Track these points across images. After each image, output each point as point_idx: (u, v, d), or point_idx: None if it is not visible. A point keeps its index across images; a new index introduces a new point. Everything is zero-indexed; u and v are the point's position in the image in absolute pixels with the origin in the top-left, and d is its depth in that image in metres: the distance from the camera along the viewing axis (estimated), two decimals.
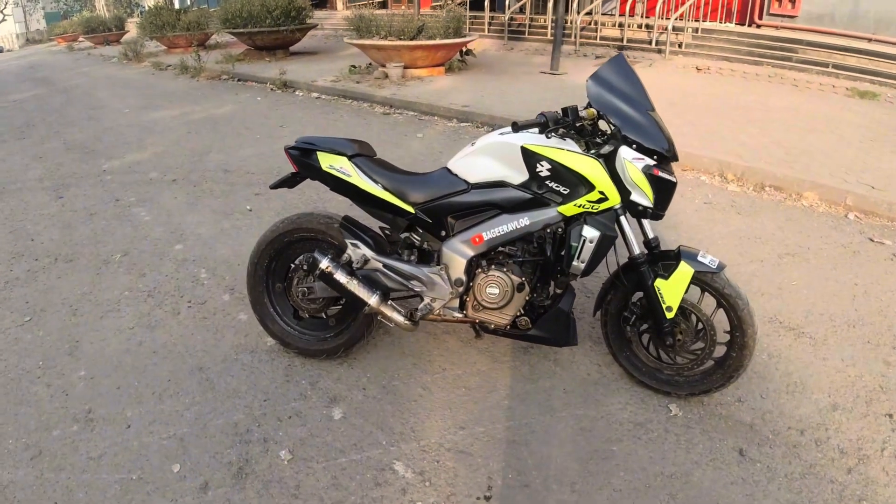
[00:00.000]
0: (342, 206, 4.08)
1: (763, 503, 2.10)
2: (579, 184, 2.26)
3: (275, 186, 2.74)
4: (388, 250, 2.61)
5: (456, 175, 2.44)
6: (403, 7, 17.03)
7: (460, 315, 2.56)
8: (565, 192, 2.28)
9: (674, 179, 2.24)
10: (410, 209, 2.46)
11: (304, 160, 2.58)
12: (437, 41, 9.96)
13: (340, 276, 2.48)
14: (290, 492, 2.14)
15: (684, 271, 2.30)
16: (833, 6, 10.38)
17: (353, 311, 2.76)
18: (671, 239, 3.93)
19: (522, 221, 2.34)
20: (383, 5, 18.22)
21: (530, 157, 2.27)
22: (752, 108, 7.30)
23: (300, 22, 13.60)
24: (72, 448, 2.37)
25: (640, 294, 2.50)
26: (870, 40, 9.73)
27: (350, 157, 2.52)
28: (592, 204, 2.27)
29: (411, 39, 9.86)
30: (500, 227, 2.36)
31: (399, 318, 2.55)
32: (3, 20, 34.51)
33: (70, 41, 23.90)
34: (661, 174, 2.20)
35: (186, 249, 4.08)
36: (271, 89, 10.14)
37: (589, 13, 12.81)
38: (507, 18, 14.06)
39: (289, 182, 2.71)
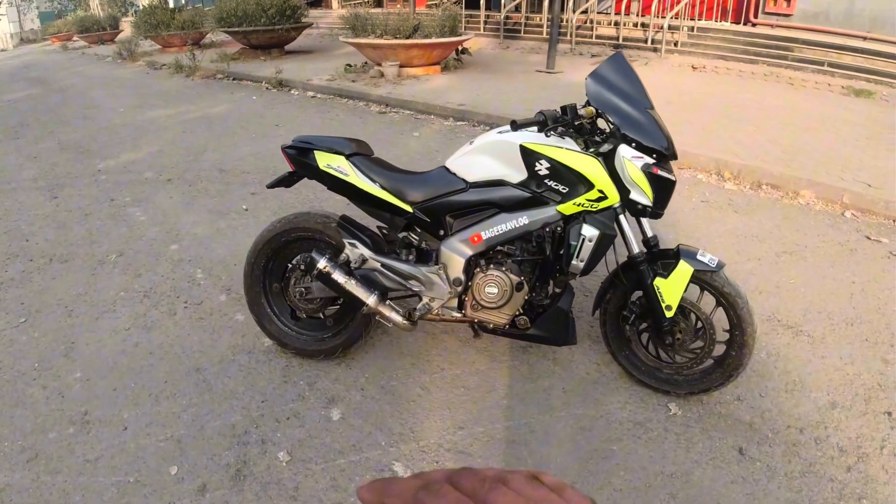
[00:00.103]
0: (339, 206, 4.07)
1: (763, 502, 2.09)
2: (578, 182, 2.25)
3: (272, 186, 2.72)
4: (386, 250, 2.60)
5: (454, 174, 2.43)
6: (399, 5, 16.99)
7: (459, 315, 2.54)
8: (564, 191, 2.27)
9: (673, 178, 2.24)
10: (409, 208, 2.45)
11: (301, 159, 2.56)
12: (433, 40, 9.94)
13: (338, 276, 2.47)
14: (288, 493, 2.13)
15: (684, 270, 2.30)
16: (828, 5, 10.41)
17: (350, 311, 2.74)
18: (669, 237, 3.93)
19: (521, 220, 2.32)
20: (378, 4, 18.19)
21: (529, 156, 2.25)
22: (748, 107, 7.30)
23: (295, 21, 13.55)
24: (68, 450, 2.35)
25: (639, 293, 2.50)
26: (865, 39, 9.75)
27: (348, 157, 2.50)
28: (592, 203, 2.26)
29: (407, 38, 9.84)
30: (498, 226, 2.35)
31: (397, 318, 2.53)
32: None
33: (64, 40, 23.78)
34: (660, 173, 2.19)
35: (182, 249, 4.06)
36: (266, 88, 10.11)
37: (584, 12, 12.81)
38: (502, 17, 14.05)
39: (286, 181, 2.69)
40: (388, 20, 10.46)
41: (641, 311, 2.53)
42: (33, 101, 10.49)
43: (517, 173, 2.30)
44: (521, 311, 2.49)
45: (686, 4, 11.23)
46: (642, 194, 2.24)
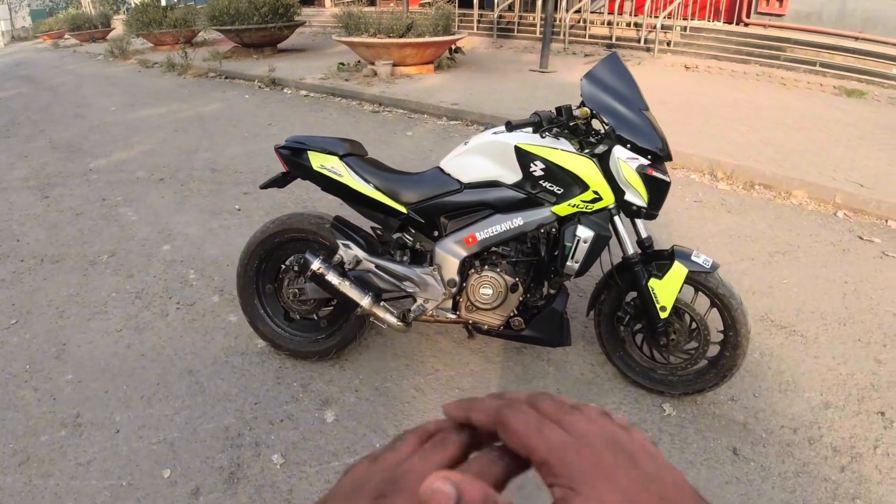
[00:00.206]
0: (332, 206, 4.05)
1: (758, 502, 2.10)
2: (573, 183, 2.25)
3: (265, 186, 2.71)
4: (380, 251, 2.59)
5: (449, 174, 2.42)
6: (392, 4, 16.97)
7: (453, 316, 2.54)
8: (559, 192, 2.27)
9: (668, 179, 2.24)
10: (403, 209, 2.44)
11: (294, 160, 2.55)
12: (427, 39, 9.93)
13: (332, 278, 2.45)
14: (282, 496, 2.12)
15: (678, 271, 2.30)
16: (820, 5, 10.46)
17: (344, 313, 2.73)
18: (662, 238, 3.94)
19: (516, 221, 2.32)
20: (372, 3, 18.13)
21: (524, 157, 2.25)
22: (741, 107, 7.33)
23: (288, 19, 13.50)
24: (60, 453, 2.33)
25: (633, 294, 2.50)
26: (857, 39, 9.81)
27: (341, 157, 2.49)
28: (586, 204, 2.26)
29: (400, 37, 9.81)
30: (493, 227, 2.35)
31: (392, 320, 2.52)
32: None
33: (55, 38, 23.61)
34: (655, 174, 2.20)
35: (174, 250, 4.03)
36: (259, 87, 10.06)
37: (578, 11, 12.82)
38: (496, 16, 14.05)
39: (279, 182, 2.68)
40: (382, 19, 10.44)
41: (636, 312, 2.53)
42: (24, 99, 10.42)
43: (512, 174, 2.30)
44: (516, 312, 2.49)
45: (679, 4, 11.27)
46: (637, 195, 2.24)
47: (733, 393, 2.60)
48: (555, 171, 2.24)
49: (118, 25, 21.78)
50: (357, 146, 2.60)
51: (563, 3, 12.72)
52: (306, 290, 2.65)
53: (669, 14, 11.20)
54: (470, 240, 2.38)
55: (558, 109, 2.22)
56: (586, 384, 2.67)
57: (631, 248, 2.38)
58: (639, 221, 2.42)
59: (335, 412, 2.52)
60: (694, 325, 2.46)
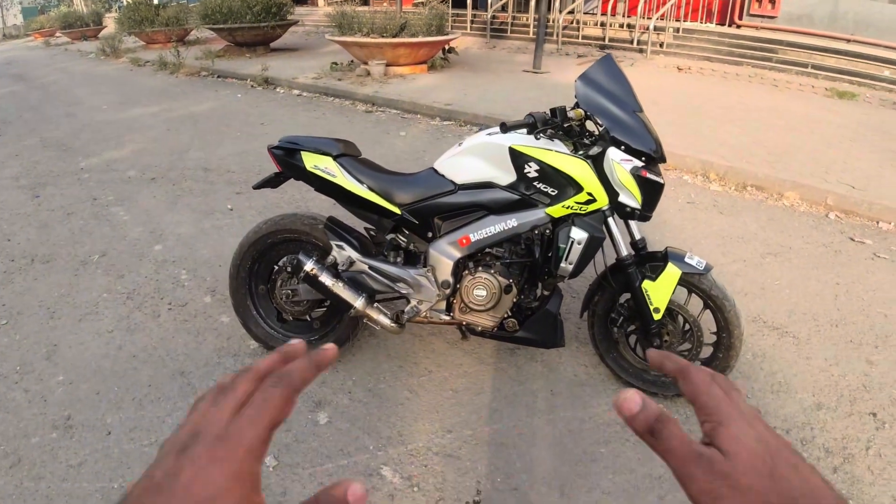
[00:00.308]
0: (325, 206, 4.04)
1: None
2: (567, 185, 2.25)
3: (258, 187, 2.69)
4: (373, 252, 2.58)
5: (443, 175, 2.41)
6: (385, 4, 16.94)
7: (447, 317, 2.53)
8: (553, 194, 2.27)
9: (661, 181, 2.24)
10: (396, 210, 2.43)
11: (287, 160, 2.54)
12: (420, 39, 9.92)
13: (325, 279, 2.44)
14: (276, 499, 2.11)
15: (672, 273, 2.30)
16: (812, 7, 10.51)
17: (338, 314, 2.72)
18: (655, 239, 3.94)
19: (510, 223, 2.32)
20: (365, 2, 18.10)
21: (518, 158, 2.25)
22: (733, 108, 7.36)
23: (281, 18, 13.47)
24: (51, 456, 2.31)
25: (627, 295, 2.50)
26: (848, 41, 9.87)
27: (335, 157, 2.48)
28: (580, 205, 2.26)
29: (394, 37, 9.80)
30: (487, 228, 2.34)
31: (385, 321, 2.51)
32: None
33: (47, 36, 23.49)
34: (648, 175, 2.20)
35: (166, 250, 4.01)
36: (252, 86, 10.03)
37: (571, 12, 12.85)
38: (489, 16, 14.07)
39: (272, 182, 2.67)
40: (375, 18, 10.42)
41: (629, 314, 2.54)
42: (15, 98, 10.34)
43: (506, 175, 2.30)
44: (510, 313, 2.49)
45: (672, 6, 11.31)
46: (631, 197, 2.24)
47: None
48: (549, 173, 2.24)
49: (110, 23, 21.67)
50: (351, 146, 2.59)
51: (557, 4, 12.74)
52: (299, 291, 2.63)
53: (662, 15, 11.24)
54: (464, 241, 2.37)
55: (553, 111, 2.21)
56: (580, 385, 2.67)
57: (625, 250, 2.39)
58: (632, 223, 2.42)
59: (328, 414, 2.51)
60: (687, 327, 2.46)
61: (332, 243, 2.52)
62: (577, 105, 2.27)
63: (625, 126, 2.19)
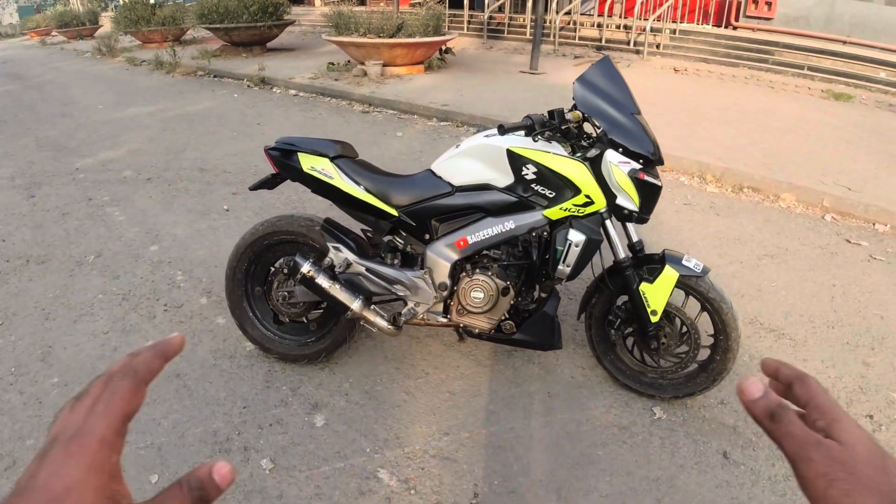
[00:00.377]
0: (321, 207, 4.03)
1: None
2: (565, 187, 2.24)
3: (254, 188, 2.68)
4: (370, 254, 2.57)
5: (440, 177, 2.41)
6: (382, 4, 16.93)
7: (444, 319, 2.53)
8: (551, 196, 2.26)
9: (659, 183, 2.23)
10: (394, 212, 2.42)
11: (284, 161, 2.53)
12: (417, 39, 9.91)
13: (322, 281, 2.43)
14: (272, 502, 2.10)
15: (669, 275, 2.30)
16: (808, 9, 10.54)
17: (334, 316, 2.71)
18: (652, 240, 3.94)
19: (508, 225, 2.31)
20: (362, 2, 18.09)
21: (516, 160, 2.24)
22: (730, 110, 7.37)
23: (277, 18, 13.44)
24: None
25: (624, 298, 2.50)
26: (844, 43, 9.90)
27: (332, 159, 2.47)
28: (578, 207, 2.26)
29: (390, 37, 9.79)
30: (485, 230, 2.34)
31: (382, 323, 2.51)
32: None
33: (43, 35, 23.37)
34: (646, 178, 2.19)
35: (162, 251, 3.99)
36: (248, 86, 10.01)
37: (568, 13, 12.86)
38: (486, 17, 14.06)
39: (268, 183, 2.66)
40: (372, 19, 10.41)
41: (627, 316, 2.54)
42: (10, 97, 10.29)
43: (504, 177, 2.29)
44: (507, 315, 2.48)
45: (668, 7, 11.33)
46: (629, 199, 2.23)
47: (723, 396, 2.61)
48: (547, 175, 2.23)
49: (106, 23, 21.60)
50: (348, 148, 2.58)
51: (553, 5, 12.74)
52: (296, 292, 2.62)
53: (659, 17, 11.25)
54: (461, 243, 2.37)
55: (550, 113, 2.21)
56: (577, 387, 2.67)
57: (622, 252, 2.38)
58: (630, 225, 2.42)
59: (325, 416, 2.50)
60: (685, 329, 2.46)
61: (329, 245, 2.51)
62: (574, 107, 2.27)
63: (623, 128, 2.18)
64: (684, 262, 2.33)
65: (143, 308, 3.32)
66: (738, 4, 11.33)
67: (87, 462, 0.36)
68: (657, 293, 2.33)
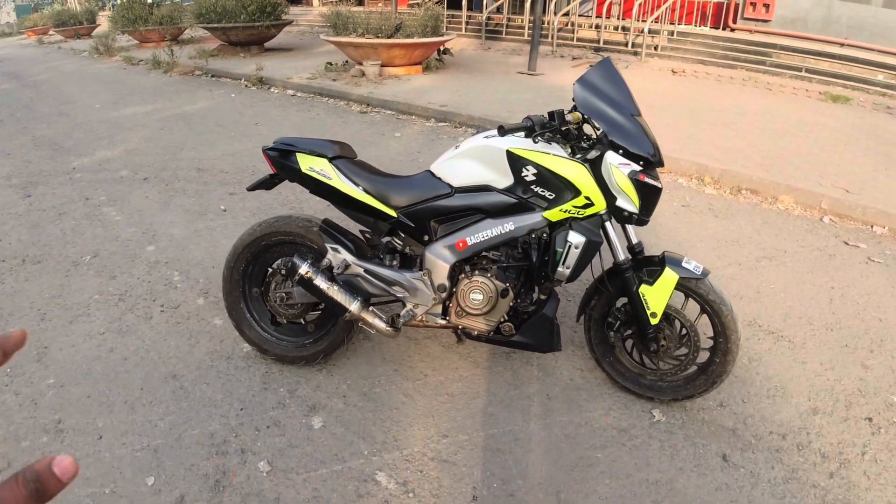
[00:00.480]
0: (320, 208, 4.02)
1: None
2: (565, 189, 2.23)
3: (252, 188, 2.67)
4: (369, 255, 2.56)
5: (439, 178, 2.39)
6: (380, 4, 16.93)
7: (443, 321, 2.51)
8: (551, 197, 2.25)
9: (659, 185, 2.22)
10: (393, 213, 2.41)
11: (282, 161, 2.51)
12: (415, 40, 9.90)
13: (320, 282, 2.42)
14: None
15: (669, 277, 2.29)
16: (806, 11, 10.55)
17: (332, 317, 2.70)
18: (650, 242, 3.94)
19: (507, 226, 2.30)
20: (360, 2, 18.06)
21: (516, 162, 2.23)
22: (728, 112, 7.37)
23: (275, 18, 13.42)
24: None
25: (623, 300, 2.49)
26: (842, 45, 9.92)
27: (331, 159, 2.46)
28: (578, 209, 2.25)
29: (389, 37, 9.78)
30: (484, 231, 2.32)
31: (381, 325, 2.49)
32: None
33: (40, 34, 23.31)
34: (647, 180, 2.18)
35: (159, 251, 3.97)
36: (246, 86, 9.99)
37: (566, 14, 12.85)
38: (484, 18, 14.05)
39: (266, 184, 2.64)
40: (370, 19, 10.40)
41: (626, 318, 2.53)
42: (7, 96, 10.25)
43: (503, 179, 2.28)
44: (506, 317, 2.47)
45: (666, 9, 11.34)
46: (629, 201, 2.22)
47: (722, 398, 2.60)
48: (547, 176, 2.22)
49: (103, 22, 21.56)
50: (346, 148, 2.57)
51: (552, 6, 12.76)
52: (294, 294, 2.61)
53: (657, 18, 11.26)
54: (460, 244, 2.36)
55: (550, 114, 2.19)
56: (575, 389, 2.66)
57: (622, 254, 2.37)
58: (629, 227, 2.41)
59: (323, 418, 2.48)
60: (684, 332, 2.45)
61: (328, 246, 2.50)
62: (574, 108, 2.26)
63: (623, 130, 2.17)
64: (684, 264, 2.32)
65: (140, 309, 3.30)
66: (736, 6, 11.34)
67: None
68: (657, 295, 2.32)
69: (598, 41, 12.13)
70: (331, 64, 10.67)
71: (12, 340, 0.42)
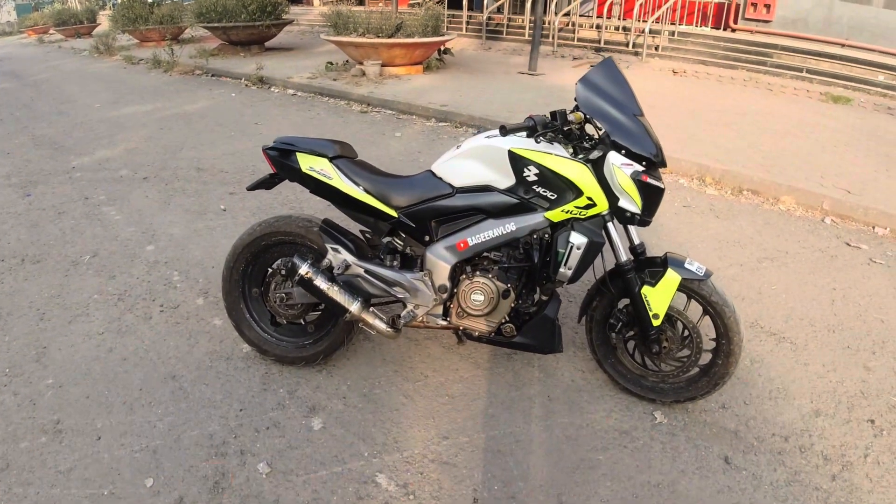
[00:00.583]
0: (320, 208, 4.01)
1: None
2: (567, 189, 2.22)
3: (252, 188, 2.66)
4: (369, 255, 2.55)
5: (440, 178, 2.38)
6: (381, 4, 16.91)
7: (444, 322, 2.50)
8: (553, 198, 2.24)
9: (662, 186, 2.21)
10: (393, 213, 2.40)
11: (282, 161, 2.50)
12: (416, 39, 9.88)
13: (321, 283, 2.41)
14: None
15: (671, 278, 2.28)
16: (807, 11, 10.54)
17: (332, 318, 2.68)
18: (651, 243, 3.93)
19: (508, 227, 2.29)
20: (360, 2, 18.05)
21: (517, 162, 2.22)
22: (729, 112, 7.36)
23: (276, 17, 13.41)
24: (40, 461, 2.27)
25: (625, 301, 2.48)
26: (843, 45, 9.90)
27: (331, 159, 2.45)
28: (580, 210, 2.23)
29: (389, 37, 9.77)
30: (485, 232, 2.31)
31: (381, 326, 2.48)
32: None
33: (41, 33, 23.31)
34: (649, 180, 2.17)
35: (158, 251, 3.96)
36: (246, 85, 9.97)
37: (567, 14, 12.85)
38: (485, 18, 14.05)
39: (266, 183, 2.63)
40: (371, 19, 10.38)
41: (628, 319, 2.51)
42: (7, 95, 10.24)
43: (505, 179, 2.27)
44: (507, 318, 2.46)
45: (667, 9, 11.33)
46: (631, 202, 2.21)
47: (724, 400, 2.59)
48: (548, 177, 2.21)
49: (104, 21, 21.55)
50: (347, 148, 2.55)
51: (552, 6, 12.73)
52: (293, 294, 2.60)
53: (658, 19, 11.26)
54: (461, 245, 2.34)
55: (553, 114, 2.18)
56: (577, 391, 2.65)
57: (624, 255, 2.36)
58: (631, 228, 2.40)
59: (322, 419, 2.47)
60: (686, 333, 2.44)
61: (328, 246, 2.49)
62: (576, 108, 2.24)
63: (625, 130, 2.16)
64: (687, 265, 2.31)
65: (139, 309, 3.28)
66: (737, 7, 11.33)
67: None
68: (659, 296, 2.31)
69: (598, 41, 12.12)
70: (331, 63, 10.66)
71: None
